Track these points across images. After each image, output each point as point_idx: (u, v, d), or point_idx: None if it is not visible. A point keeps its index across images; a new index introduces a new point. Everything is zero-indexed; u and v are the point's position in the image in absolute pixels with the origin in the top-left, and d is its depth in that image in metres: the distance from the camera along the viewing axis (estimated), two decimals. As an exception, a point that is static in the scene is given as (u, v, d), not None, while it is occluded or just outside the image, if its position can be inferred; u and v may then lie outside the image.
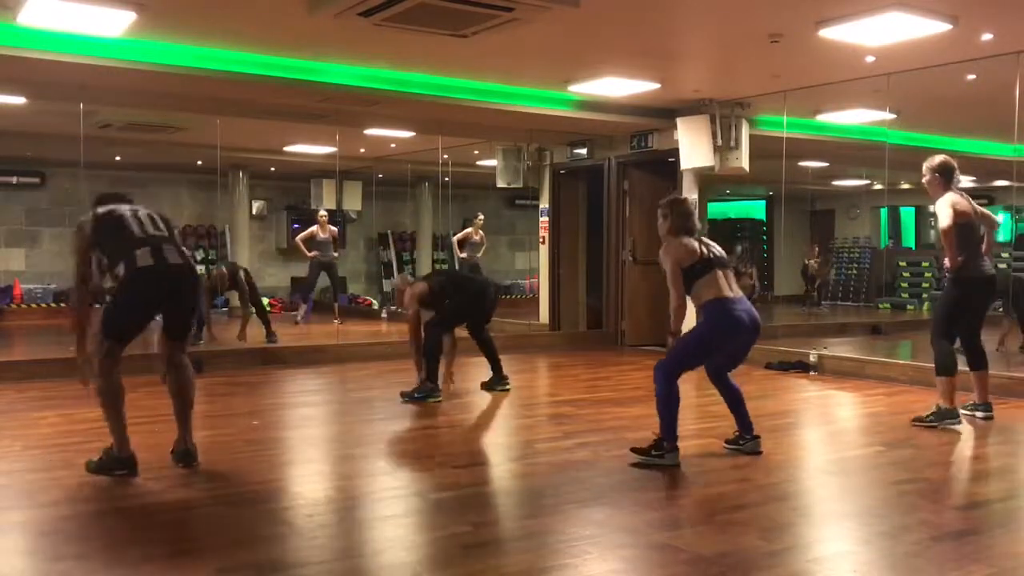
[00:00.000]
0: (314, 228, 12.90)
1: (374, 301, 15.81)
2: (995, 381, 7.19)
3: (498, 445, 5.93)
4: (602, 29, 6.56)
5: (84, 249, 4.64)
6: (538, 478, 4.65)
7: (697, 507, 4.22)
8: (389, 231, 16.70)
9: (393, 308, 14.94)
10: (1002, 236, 15.65)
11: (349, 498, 4.33)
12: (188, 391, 4.78)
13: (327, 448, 5.70)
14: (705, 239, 4.98)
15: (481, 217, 13.99)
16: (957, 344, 6.03)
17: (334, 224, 13.35)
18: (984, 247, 5.85)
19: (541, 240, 12.10)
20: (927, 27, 6.25)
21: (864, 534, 3.77)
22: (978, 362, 6.05)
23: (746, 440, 5.10)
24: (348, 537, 3.79)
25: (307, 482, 4.73)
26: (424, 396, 6.72)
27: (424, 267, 16.12)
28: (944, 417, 5.81)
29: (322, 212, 13.08)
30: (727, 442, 5.17)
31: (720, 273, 4.83)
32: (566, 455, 5.09)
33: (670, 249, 4.87)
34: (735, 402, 5.12)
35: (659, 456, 4.70)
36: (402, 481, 4.71)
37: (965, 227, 5.71)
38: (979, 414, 6.09)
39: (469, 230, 13.71)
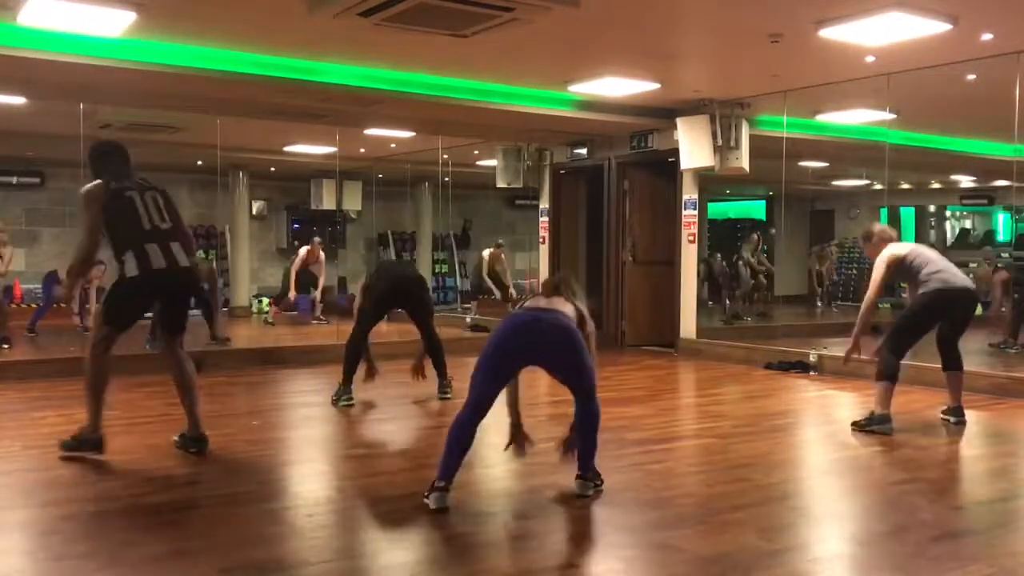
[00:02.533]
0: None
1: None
2: (995, 381, 7.22)
3: (498, 445, 5.91)
4: (602, 29, 6.56)
5: (94, 228, 4.80)
6: (538, 478, 4.65)
7: (697, 507, 4.21)
8: (389, 231, 16.70)
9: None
10: (1002, 236, 15.68)
11: (349, 498, 4.33)
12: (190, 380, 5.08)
13: (327, 448, 5.70)
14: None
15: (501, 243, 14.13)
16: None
17: (332, 225, 13.43)
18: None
19: (541, 240, 12.09)
20: (927, 27, 6.25)
21: (864, 534, 3.77)
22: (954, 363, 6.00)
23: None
24: (348, 537, 3.79)
25: (307, 482, 4.73)
26: (338, 398, 6.67)
27: (424, 267, 16.12)
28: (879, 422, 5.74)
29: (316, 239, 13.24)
30: None
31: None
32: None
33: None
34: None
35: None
36: (402, 481, 4.70)
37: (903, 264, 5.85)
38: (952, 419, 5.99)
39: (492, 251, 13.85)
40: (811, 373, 8.40)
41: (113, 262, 4.84)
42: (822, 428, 6.54)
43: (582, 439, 4.20)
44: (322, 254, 13.02)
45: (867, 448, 5.49)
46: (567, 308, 4.21)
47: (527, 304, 4.31)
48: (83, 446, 4.82)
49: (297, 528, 3.82)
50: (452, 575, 3.26)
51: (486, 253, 14.39)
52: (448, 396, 6.93)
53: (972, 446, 5.76)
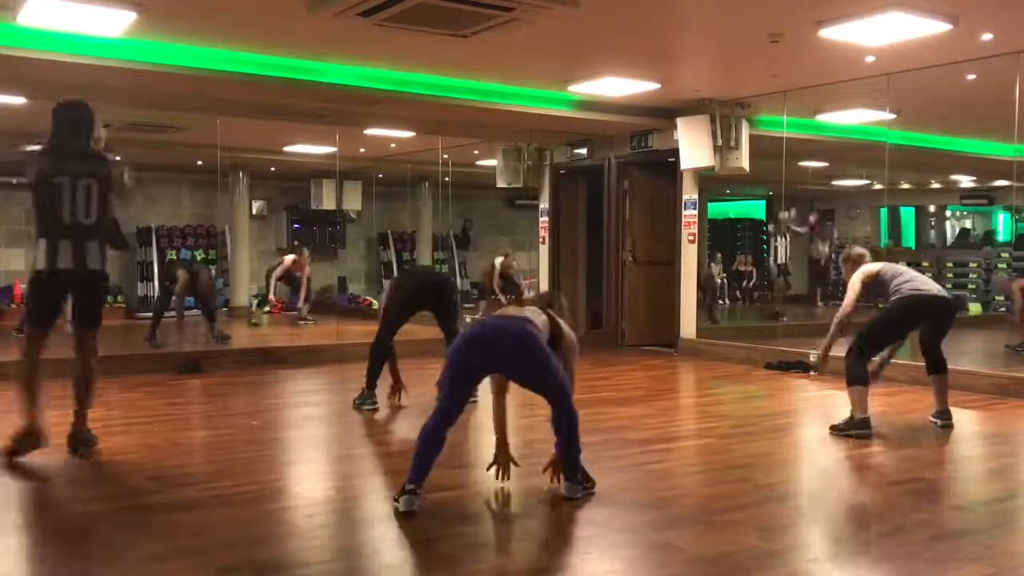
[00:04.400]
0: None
1: (374, 301, 15.81)
2: (995, 381, 7.23)
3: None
4: (602, 29, 6.56)
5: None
6: (538, 478, 4.65)
7: (697, 507, 4.21)
8: (389, 231, 16.70)
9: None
10: (1002, 236, 15.68)
11: (349, 498, 4.34)
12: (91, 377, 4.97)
13: (327, 448, 5.70)
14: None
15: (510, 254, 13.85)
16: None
17: (332, 225, 13.37)
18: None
19: (541, 240, 12.09)
20: (927, 27, 6.25)
21: (864, 534, 3.77)
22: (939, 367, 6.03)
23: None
24: (348, 537, 3.79)
25: (307, 482, 4.73)
26: (361, 403, 6.60)
27: (424, 267, 16.13)
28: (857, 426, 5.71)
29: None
30: None
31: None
32: (566, 455, 5.07)
33: None
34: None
35: None
36: (402, 481, 4.70)
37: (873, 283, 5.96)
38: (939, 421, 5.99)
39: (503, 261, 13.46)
40: (811, 373, 8.39)
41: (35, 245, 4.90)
42: (822, 428, 6.51)
43: (561, 443, 4.17)
44: (308, 267, 12.95)
45: (867, 448, 5.49)
46: (539, 318, 4.19)
47: (497, 312, 4.37)
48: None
49: (297, 528, 3.82)
50: (452, 575, 3.26)
51: (497, 262, 13.87)
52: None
53: (972, 446, 5.76)
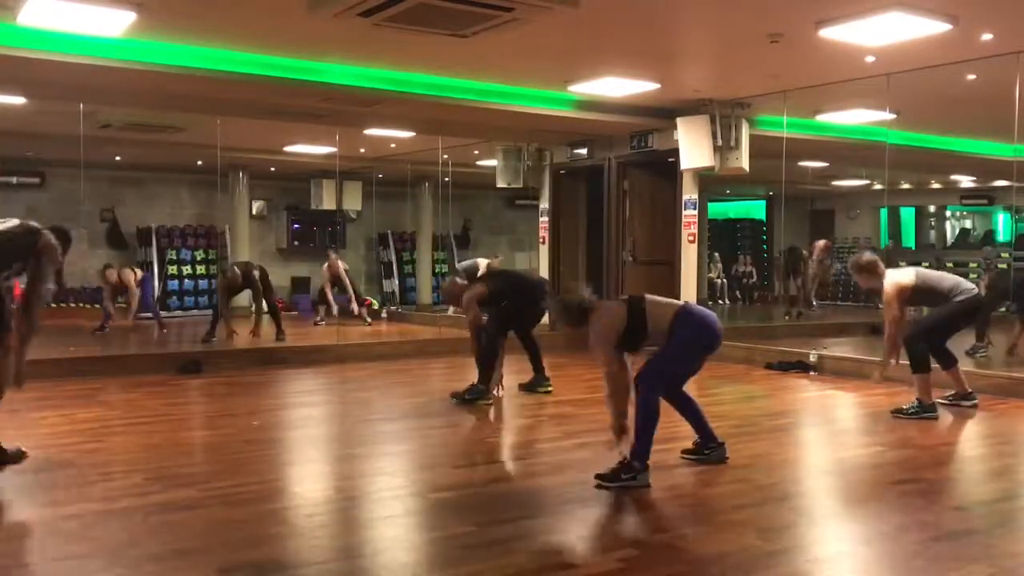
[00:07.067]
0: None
1: (374, 301, 15.82)
2: (995, 381, 7.22)
3: (498, 445, 5.93)
4: (602, 29, 6.56)
5: None
6: (538, 478, 4.65)
7: (697, 507, 4.21)
8: (389, 231, 16.70)
9: (394, 308, 14.98)
10: (1002, 236, 15.70)
11: (349, 498, 4.33)
12: None
13: (327, 448, 5.70)
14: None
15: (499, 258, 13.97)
16: None
17: (332, 225, 13.34)
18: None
19: (541, 240, 12.09)
20: (927, 27, 6.25)
21: (864, 534, 3.77)
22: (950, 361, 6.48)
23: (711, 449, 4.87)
24: (348, 537, 3.79)
25: (307, 482, 4.73)
26: (475, 398, 6.73)
27: (424, 267, 16.12)
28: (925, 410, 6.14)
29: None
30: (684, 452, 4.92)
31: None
32: (566, 455, 5.09)
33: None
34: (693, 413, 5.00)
35: (631, 478, 4.30)
36: (402, 481, 4.70)
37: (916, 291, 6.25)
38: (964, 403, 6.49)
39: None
40: (811, 373, 8.40)
41: None
42: (822, 428, 6.53)
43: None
44: (341, 265, 13.01)
45: (867, 448, 5.49)
46: None
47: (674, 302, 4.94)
48: None
49: (297, 528, 3.82)
50: (452, 575, 3.26)
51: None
52: (549, 390, 7.21)
53: (972, 446, 5.76)
